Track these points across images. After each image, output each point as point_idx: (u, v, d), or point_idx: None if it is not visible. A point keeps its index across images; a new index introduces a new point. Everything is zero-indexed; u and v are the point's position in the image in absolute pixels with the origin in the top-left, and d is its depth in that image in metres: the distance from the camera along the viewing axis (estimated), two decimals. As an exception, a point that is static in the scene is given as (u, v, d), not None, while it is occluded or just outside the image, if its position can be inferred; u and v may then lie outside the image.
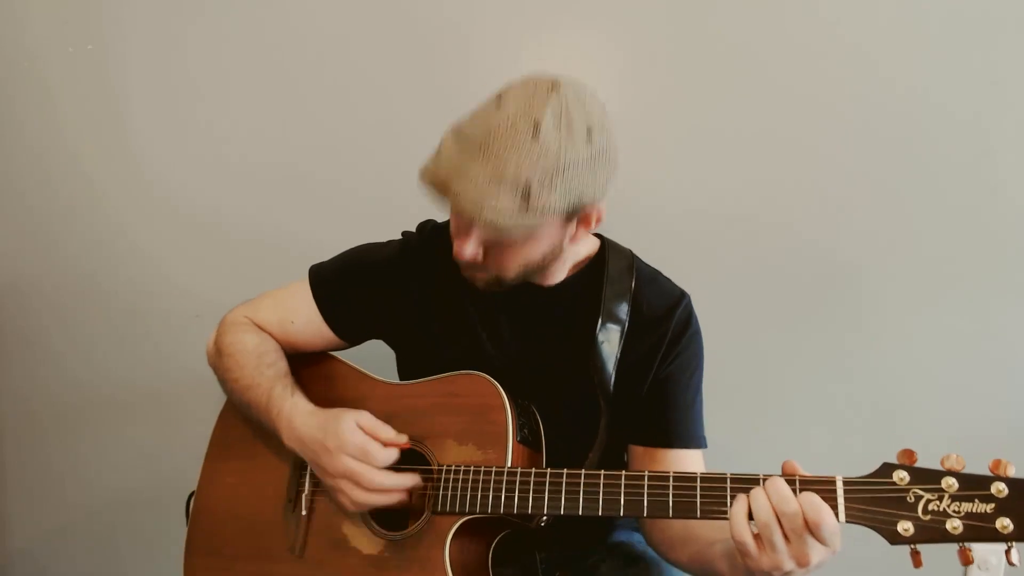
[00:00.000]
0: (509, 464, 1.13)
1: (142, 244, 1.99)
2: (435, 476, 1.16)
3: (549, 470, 1.10)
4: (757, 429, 1.83)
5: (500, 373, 1.21)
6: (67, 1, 1.92)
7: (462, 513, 1.13)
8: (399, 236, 1.37)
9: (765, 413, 1.84)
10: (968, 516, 0.87)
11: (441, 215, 1.28)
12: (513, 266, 1.17)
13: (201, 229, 1.96)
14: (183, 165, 1.95)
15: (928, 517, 0.89)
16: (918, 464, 0.92)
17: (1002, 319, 1.73)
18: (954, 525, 0.87)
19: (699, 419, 1.30)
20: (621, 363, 1.25)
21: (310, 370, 1.37)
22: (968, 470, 0.89)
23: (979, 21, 1.66)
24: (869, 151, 1.72)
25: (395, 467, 1.22)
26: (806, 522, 0.90)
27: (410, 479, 1.14)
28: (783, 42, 1.74)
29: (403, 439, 1.17)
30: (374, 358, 1.41)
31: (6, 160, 2.01)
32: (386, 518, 1.21)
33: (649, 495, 1.02)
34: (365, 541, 1.20)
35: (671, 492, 1.01)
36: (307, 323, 1.34)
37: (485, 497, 1.11)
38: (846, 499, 0.92)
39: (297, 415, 1.19)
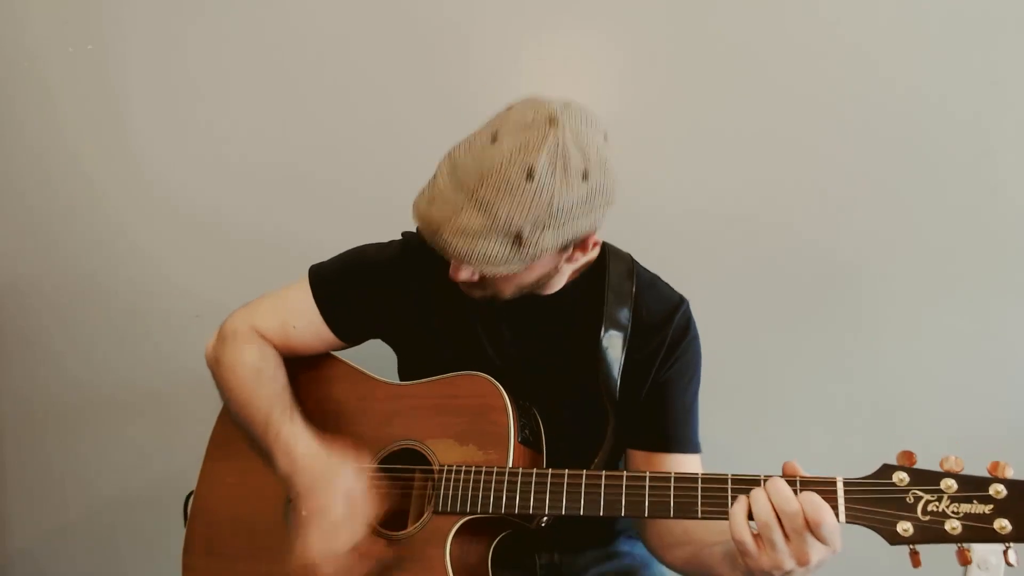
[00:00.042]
0: (510, 465, 1.13)
1: (142, 244, 1.99)
2: (436, 476, 1.16)
3: (550, 470, 1.10)
4: (757, 429, 1.83)
5: (500, 374, 1.21)
6: (67, 1, 1.92)
7: (463, 513, 1.13)
8: (399, 236, 1.37)
9: (765, 413, 1.84)
10: (967, 517, 0.88)
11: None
12: (508, 288, 1.17)
13: (201, 229, 1.96)
14: (183, 165, 1.95)
15: (927, 518, 0.89)
16: (917, 465, 0.93)
17: (1002, 319, 1.73)
18: (953, 526, 0.88)
19: (696, 424, 1.30)
20: (624, 368, 1.25)
21: (311, 371, 1.37)
22: (968, 470, 0.90)
23: (979, 21, 1.66)
24: (869, 151, 1.72)
25: (396, 467, 1.22)
26: (807, 521, 0.91)
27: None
28: (783, 42, 1.74)
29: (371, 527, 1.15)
30: (374, 358, 1.41)
31: (6, 160, 2.01)
32: (386, 517, 1.21)
33: (650, 495, 1.03)
34: (365, 541, 1.20)
35: (672, 493, 1.01)
36: (307, 325, 1.34)
37: (486, 497, 1.11)
38: (846, 500, 0.93)
39: (297, 446, 1.18)
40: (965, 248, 1.72)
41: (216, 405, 1.40)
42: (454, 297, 1.25)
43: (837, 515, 0.92)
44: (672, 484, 1.02)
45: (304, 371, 1.36)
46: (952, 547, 0.89)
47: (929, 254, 1.73)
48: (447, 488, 1.14)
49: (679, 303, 1.30)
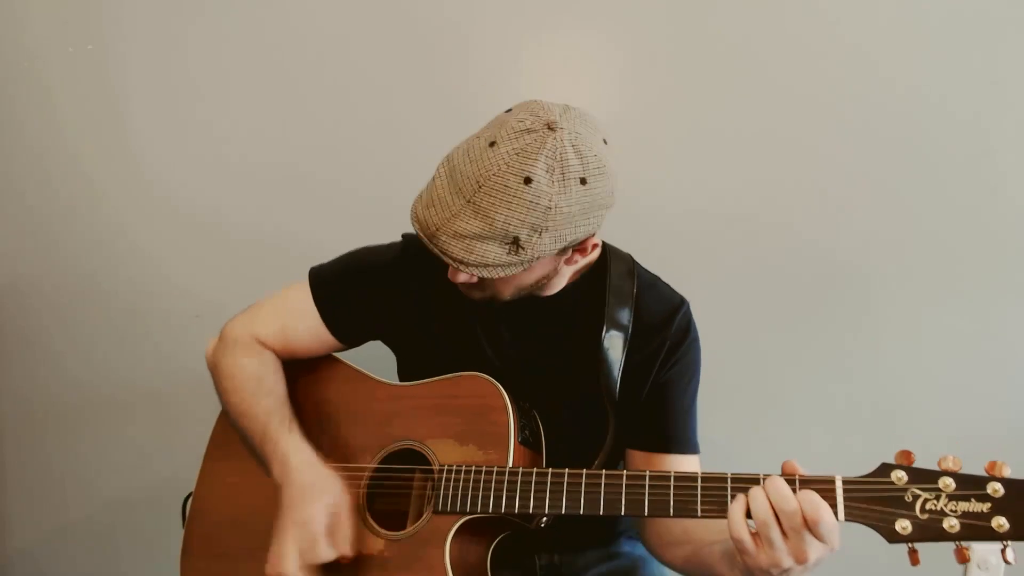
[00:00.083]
0: (510, 465, 1.13)
1: (142, 244, 1.99)
2: (436, 476, 1.16)
3: (551, 470, 1.10)
4: (757, 429, 1.83)
5: (499, 375, 1.21)
6: (67, 1, 1.92)
7: (463, 513, 1.13)
8: (399, 237, 1.37)
9: (765, 413, 1.84)
10: (965, 515, 0.88)
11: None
12: (507, 290, 1.17)
13: (201, 229, 1.96)
14: (183, 165, 1.95)
15: (925, 516, 0.90)
16: (916, 464, 0.93)
17: (1002, 319, 1.73)
18: (951, 524, 0.88)
19: (695, 424, 1.30)
20: (624, 368, 1.25)
21: (312, 372, 1.37)
22: (967, 471, 0.90)
23: (979, 21, 1.66)
24: (869, 151, 1.72)
25: (395, 467, 1.22)
26: (805, 520, 0.91)
27: None
28: (783, 42, 1.74)
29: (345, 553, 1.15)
30: (375, 359, 1.41)
31: (6, 160, 2.01)
32: (386, 517, 1.21)
33: (650, 495, 1.03)
34: (365, 541, 1.20)
35: (672, 492, 1.02)
36: (307, 328, 1.34)
37: (486, 497, 1.11)
38: (845, 498, 0.93)
39: (291, 457, 1.18)
40: (965, 248, 1.72)
41: (216, 405, 1.40)
42: (454, 299, 1.25)
43: (836, 513, 0.92)
44: (672, 483, 1.02)
45: (305, 373, 1.37)
46: (951, 545, 0.89)
47: (929, 254, 1.74)
48: (447, 488, 1.14)
49: (680, 304, 1.30)
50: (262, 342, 1.34)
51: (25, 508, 2.14)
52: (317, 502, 1.13)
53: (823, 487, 0.94)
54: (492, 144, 1.02)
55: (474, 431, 1.18)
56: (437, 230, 1.04)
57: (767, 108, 1.74)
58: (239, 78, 1.90)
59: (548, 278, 1.18)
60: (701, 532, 1.15)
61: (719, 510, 0.98)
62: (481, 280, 1.13)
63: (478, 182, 1.01)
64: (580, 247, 1.13)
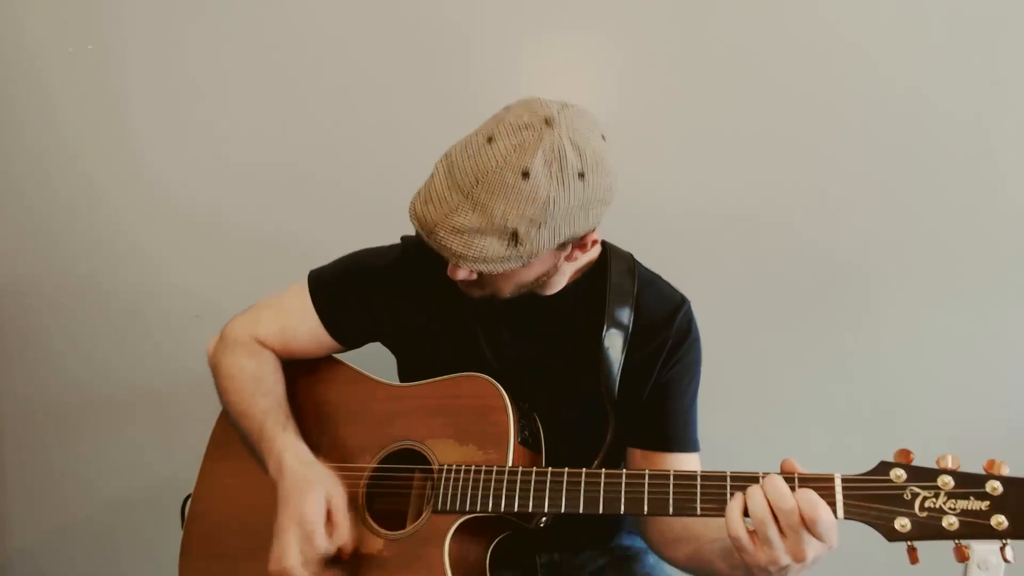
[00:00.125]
0: (510, 465, 1.13)
1: (142, 244, 1.99)
2: (435, 476, 1.16)
3: (550, 469, 1.10)
4: (757, 429, 1.84)
5: (498, 377, 1.21)
6: (67, 1, 1.92)
7: (462, 512, 1.13)
8: (399, 237, 1.37)
9: (765, 413, 1.84)
10: (964, 513, 0.88)
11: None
12: (507, 287, 1.17)
13: (201, 229, 1.96)
14: (183, 165, 1.95)
15: (925, 514, 0.90)
16: (915, 463, 0.93)
17: (1002, 319, 1.73)
18: (950, 522, 0.88)
19: (696, 422, 1.30)
20: (624, 368, 1.25)
21: (313, 373, 1.37)
22: (966, 470, 0.90)
23: (979, 21, 1.66)
24: (869, 151, 1.72)
25: (395, 467, 1.22)
26: (802, 518, 0.91)
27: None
28: (783, 42, 1.74)
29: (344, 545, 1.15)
30: (375, 360, 1.41)
31: (6, 160, 2.01)
32: (386, 517, 1.21)
33: (650, 493, 1.03)
34: (364, 540, 1.20)
35: (671, 490, 1.02)
36: (306, 330, 1.35)
37: (485, 496, 1.11)
38: (844, 496, 0.93)
39: (286, 454, 1.18)
40: (965, 248, 1.72)
41: (216, 405, 1.40)
42: (454, 299, 1.25)
43: (835, 511, 0.92)
44: (671, 482, 1.02)
45: (305, 373, 1.37)
46: (950, 544, 0.89)
47: (929, 254, 1.74)
48: (446, 487, 1.14)
49: (681, 303, 1.30)
50: (262, 342, 1.34)
51: (25, 508, 2.14)
52: (311, 495, 1.12)
53: (822, 485, 0.94)
54: (490, 140, 1.03)
55: (474, 431, 1.18)
56: (436, 225, 1.04)
57: (767, 108, 1.74)
58: (239, 78, 1.90)
59: (548, 275, 1.18)
60: (701, 529, 1.15)
61: (718, 508, 0.98)
62: (481, 277, 1.13)
63: (476, 177, 1.01)
64: (580, 243, 1.13)
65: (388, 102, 1.86)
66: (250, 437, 1.25)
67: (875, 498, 0.92)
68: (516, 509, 1.09)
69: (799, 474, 0.96)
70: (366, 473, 1.24)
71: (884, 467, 0.93)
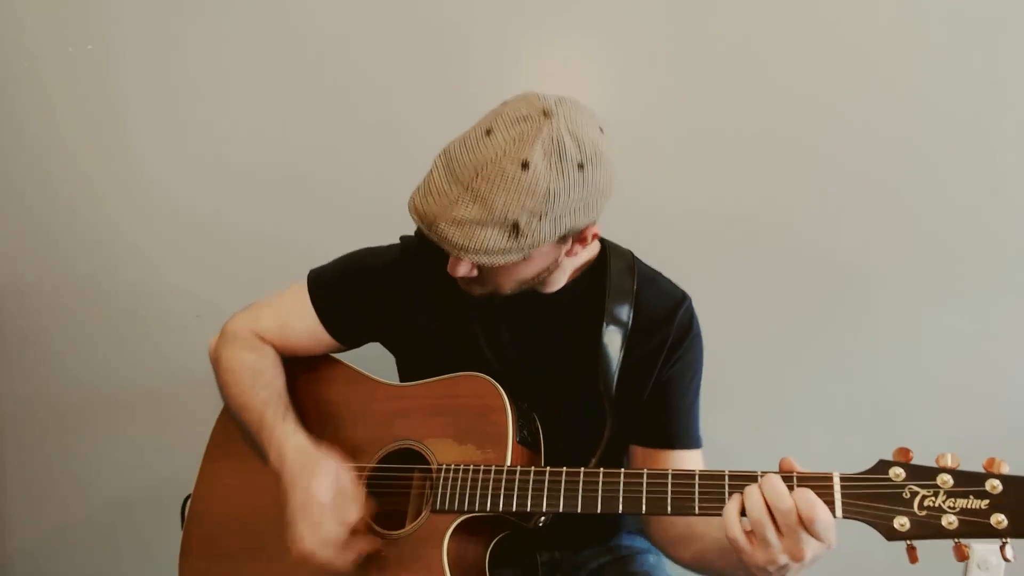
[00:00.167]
0: (509, 465, 1.13)
1: (142, 244, 1.99)
2: (434, 475, 1.16)
3: (548, 468, 1.09)
4: (757, 429, 1.83)
5: (498, 376, 1.21)
6: (67, 1, 1.92)
7: (461, 511, 1.12)
8: (398, 237, 1.37)
9: (765, 413, 1.84)
10: (963, 512, 0.88)
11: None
12: (508, 283, 1.17)
13: (201, 229, 1.96)
14: (183, 165, 1.95)
15: (924, 513, 0.89)
16: (914, 462, 0.92)
17: (1002, 319, 1.73)
18: (949, 521, 0.88)
19: (697, 419, 1.30)
20: (623, 365, 1.25)
21: (312, 373, 1.37)
22: (966, 469, 0.90)
23: (979, 21, 1.66)
24: (869, 151, 1.72)
25: (394, 466, 1.22)
26: (800, 518, 0.90)
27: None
28: (783, 42, 1.74)
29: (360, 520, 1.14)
30: (375, 359, 1.41)
31: (6, 160, 2.01)
32: (385, 517, 1.21)
33: (648, 493, 1.02)
34: (362, 540, 1.20)
35: (669, 489, 1.01)
36: (305, 328, 1.35)
37: (484, 495, 1.11)
38: (843, 495, 0.93)
39: (286, 443, 1.18)
40: (965, 248, 1.72)
41: (216, 405, 1.40)
42: (454, 299, 1.25)
43: (834, 510, 0.92)
44: (670, 481, 1.02)
45: (305, 373, 1.37)
46: (949, 543, 0.89)
47: (929, 254, 1.74)
48: (445, 487, 1.14)
49: (681, 300, 1.29)
50: (262, 338, 1.35)
51: (25, 508, 2.14)
52: (318, 477, 1.12)
53: (820, 484, 0.93)
54: (488, 132, 1.03)
55: (473, 431, 1.18)
56: (436, 218, 1.04)
57: (767, 108, 1.74)
58: (239, 78, 1.90)
59: (549, 271, 1.18)
60: (704, 528, 1.15)
61: (717, 507, 0.98)
62: (481, 274, 1.13)
63: (476, 169, 1.01)
64: (580, 237, 1.13)
65: (388, 102, 1.86)
66: (250, 429, 1.25)
67: (874, 497, 0.91)
68: (515, 509, 1.09)
69: (797, 473, 0.95)
70: (365, 473, 1.24)
71: (883, 466, 0.93)
